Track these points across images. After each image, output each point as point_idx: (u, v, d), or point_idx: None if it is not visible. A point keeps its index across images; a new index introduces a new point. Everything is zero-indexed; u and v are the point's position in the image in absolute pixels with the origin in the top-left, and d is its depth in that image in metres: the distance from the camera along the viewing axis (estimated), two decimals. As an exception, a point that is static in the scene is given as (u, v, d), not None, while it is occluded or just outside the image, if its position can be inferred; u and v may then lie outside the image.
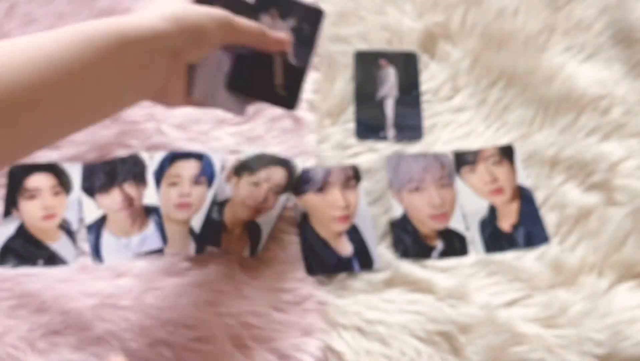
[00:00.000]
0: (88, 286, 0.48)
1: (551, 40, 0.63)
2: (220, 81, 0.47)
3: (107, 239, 0.51)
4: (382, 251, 0.51)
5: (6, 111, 0.32)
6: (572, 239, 0.52)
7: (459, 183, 0.55)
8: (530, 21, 0.63)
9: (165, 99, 0.45)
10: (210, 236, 0.51)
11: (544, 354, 0.46)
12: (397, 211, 0.53)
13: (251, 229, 0.52)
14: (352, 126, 0.58)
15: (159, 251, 0.51)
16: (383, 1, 0.65)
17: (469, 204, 0.54)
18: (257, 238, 0.51)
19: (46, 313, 0.47)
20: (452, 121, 0.58)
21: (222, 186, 0.54)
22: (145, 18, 0.39)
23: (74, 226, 0.52)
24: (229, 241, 0.51)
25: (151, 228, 0.52)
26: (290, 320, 0.47)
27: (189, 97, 0.45)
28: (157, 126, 0.57)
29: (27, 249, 0.51)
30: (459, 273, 0.50)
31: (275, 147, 0.56)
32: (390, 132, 0.58)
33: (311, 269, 0.50)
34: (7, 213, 0.52)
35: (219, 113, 0.56)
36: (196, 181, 0.54)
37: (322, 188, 0.54)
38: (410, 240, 0.52)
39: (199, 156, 0.55)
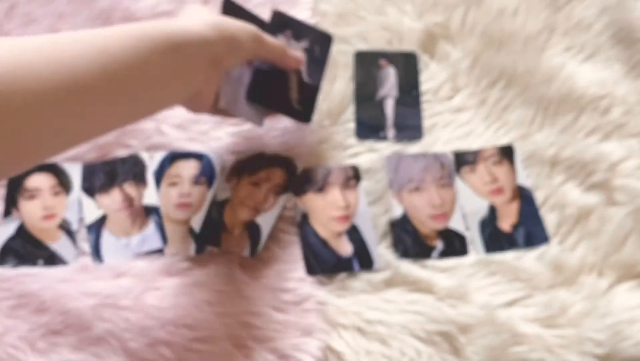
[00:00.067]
0: (88, 286, 0.48)
1: (551, 40, 0.63)
2: (242, 93, 0.50)
3: (107, 239, 0.51)
4: (382, 251, 0.51)
5: (70, 97, 0.32)
6: (572, 239, 0.52)
7: (459, 183, 0.55)
8: (530, 21, 0.63)
9: (196, 104, 0.46)
10: (210, 236, 0.51)
11: (544, 354, 0.46)
12: (397, 211, 0.53)
13: (251, 229, 0.52)
14: (352, 126, 0.58)
15: (159, 251, 0.51)
16: (383, 1, 0.65)
17: (469, 204, 0.54)
18: (257, 238, 0.51)
19: (46, 313, 0.47)
20: (452, 121, 0.58)
21: (222, 186, 0.54)
22: (191, 23, 0.41)
23: (74, 226, 0.52)
24: (229, 241, 0.51)
25: (151, 228, 0.52)
26: (290, 320, 0.47)
27: (216, 106, 0.47)
28: (157, 126, 0.57)
29: (27, 249, 0.51)
30: (459, 273, 0.50)
31: (275, 148, 0.56)
32: (390, 132, 0.58)
33: (311, 269, 0.50)
34: (7, 212, 0.52)
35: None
36: (196, 181, 0.54)
37: (322, 188, 0.54)
38: (410, 240, 0.52)
39: (199, 156, 0.55)
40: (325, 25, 0.63)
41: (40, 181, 0.54)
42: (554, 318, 0.48)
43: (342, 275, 0.50)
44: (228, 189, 0.54)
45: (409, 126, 0.58)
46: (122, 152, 0.56)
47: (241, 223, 0.52)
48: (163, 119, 0.57)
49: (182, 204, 0.53)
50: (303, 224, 0.52)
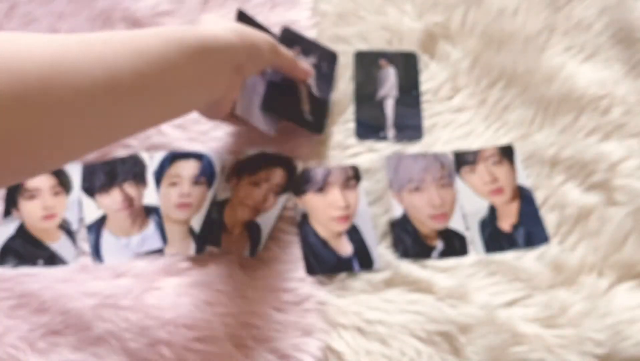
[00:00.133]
0: (88, 286, 0.48)
1: (551, 40, 0.63)
2: (256, 102, 0.52)
3: (107, 239, 0.51)
4: (382, 251, 0.51)
5: (107, 96, 0.32)
6: (572, 239, 0.52)
7: (459, 183, 0.55)
8: (530, 21, 0.63)
9: (214, 110, 0.46)
10: (210, 236, 0.51)
11: (544, 354, 0.46)
12: (397, 211, 0.53)
13: (251, 229, 0.52)
14: (352, 126, 0.58)
15: (159, 251, 0.51)
16: (383, 1, 0.65)
17: (469, 204, 0.54)
18: (257, 238, 0.51)
19: (46, 313, 0.47)
20: (452, 121, 0.58)
21: (222, 186, 0.54)
22: (217, 30, 0.41)
23: (74, 226, 0.52)
24: (229, 241, 0.51)
25: (151, 228, 0.52)
26: (290, 320, 0.47)
27: (232, 113, 0.48)
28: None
29: (27, 249, 0.51)
30: (459, 273, 0.50)
31: (275, 147, 0.56)
32: (390, 132, 0.58)
33: (311, 269, 0.50)
34: (7, 212, 0.52)
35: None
36: (196, 181, 0.54)
37: (322, 188, 0.54)
38: (410, 240, 0.52)
39: (199, 156, 0.55)
40: (326, 25, 0.63)
41: (40, 181, 0.54)
42: (554, 318, 0.48)
43: (342, 275, 0.50)
44: (228, 189, 0.54)
45: (409, 126, 0.58)
46: (122, 152, 0.56)
47: (241, 223, 0.52)
48: (163, 119, 0.57)
49: (182, 204, 0.53)
50: (303, 224, 0.52)
